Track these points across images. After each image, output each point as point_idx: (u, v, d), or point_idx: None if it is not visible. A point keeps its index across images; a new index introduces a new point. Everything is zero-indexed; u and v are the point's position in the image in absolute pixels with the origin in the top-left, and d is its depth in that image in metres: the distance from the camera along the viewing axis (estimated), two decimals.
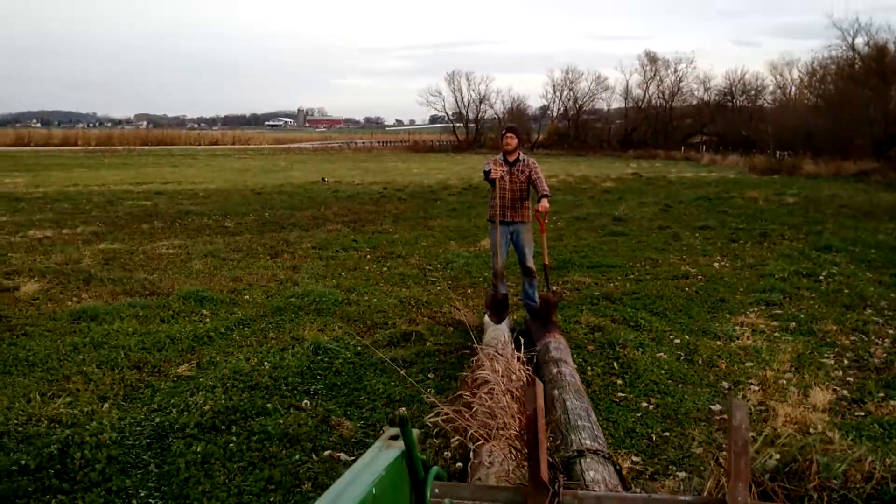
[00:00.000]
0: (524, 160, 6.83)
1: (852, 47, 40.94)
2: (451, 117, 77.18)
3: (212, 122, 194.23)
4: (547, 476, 2.15)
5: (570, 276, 9.48)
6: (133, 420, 4.59)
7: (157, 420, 4.59)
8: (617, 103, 71.56)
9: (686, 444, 4.38)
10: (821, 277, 9.31)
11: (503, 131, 7.02)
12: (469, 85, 73.76)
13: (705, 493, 3.18)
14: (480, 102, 73.82)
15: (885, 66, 35.97)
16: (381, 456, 1.73)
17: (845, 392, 5.28)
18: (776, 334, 6.78)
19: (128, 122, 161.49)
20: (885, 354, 6.19)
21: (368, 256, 11.05)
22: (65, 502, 3.49)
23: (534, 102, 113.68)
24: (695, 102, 65.16)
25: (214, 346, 6.32)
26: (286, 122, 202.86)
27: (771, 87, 60.38)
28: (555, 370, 5.13)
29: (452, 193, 22.14)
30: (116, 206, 18.06)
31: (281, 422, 4.50)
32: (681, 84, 65.59)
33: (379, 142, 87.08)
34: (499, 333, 6.06)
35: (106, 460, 3.89)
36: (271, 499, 3.63)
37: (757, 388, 5.31)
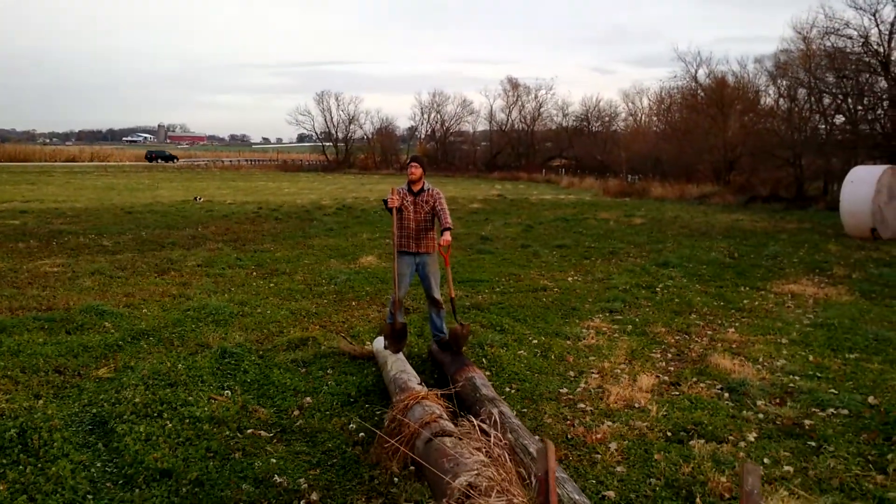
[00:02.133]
0: (429, 190, 6.82)
1: (695, 78, 44.81)
2: (319, 137, 77.64)
3: (65, 137, 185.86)
4: None
5: (443, 290, 10.53)
6: (71, 412, 5.25)
7: (94, 411, 5.28)
8: (482, 126, 74.47)
9: (539, 417, 5.48)
10: (657, 289, 10.78)
11: (408, 161, 6.94)
12: (338, 105, 75.13)
13: None
14: (350, 123, 74.92)
15: (723, 97, 39.42)
16: None
17: (666, 378, 6.56)
18: (615, 335, 8.06)
19: None
20: (701, 350, 7.55)
21: (255, 273, 11.72)
22: (36, 472, 4.17)
23: (402, 123, 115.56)
24: (554, 127, 68.66)
25: (126, 353, 6.93)
26: (146, 137, 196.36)
27: (623, 115, 64.60)
28: (495, 411, 4.72)
29: (328, 213, 22.90)
30: None
31: (206, 409, 5.29)
32: (541, 109, 69.09)
33: (247, 160, 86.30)
34: (403, 365, 6.07)
35: (61, 440, 4.58)
36: (211, 464, 4.46)
37: (597, 376, 6.52)
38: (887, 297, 10.25)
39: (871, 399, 5.85)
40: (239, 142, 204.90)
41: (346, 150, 75.20)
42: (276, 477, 4.32)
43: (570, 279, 11.63)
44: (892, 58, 26.99)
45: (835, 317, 8.88)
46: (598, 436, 5.06)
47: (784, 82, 34.81)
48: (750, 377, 6.43)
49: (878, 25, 27.00)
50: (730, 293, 10.53)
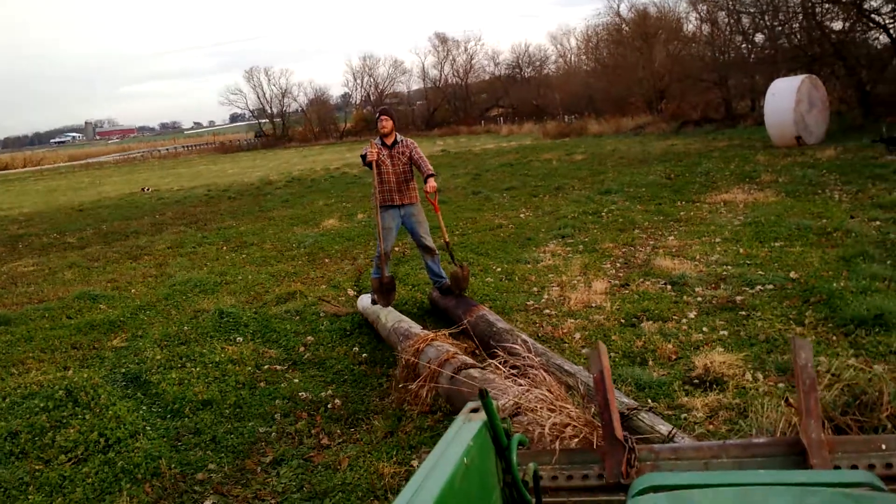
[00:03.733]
0: (402, 141, 6.85)
1: (618, 13, 45.72)
2: (253, 114, 76.98)
3: None
4: (621, 434, 2.16)
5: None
6: (103, 374, 5.90)
7: (123, 370, 5.96)
8: (416, 85, 74.45)
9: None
10: (602, 214, 11.67)
11: (377, 115, 6.92)
12: (269, 80, 74.11)
13: (777, 434, 3.25)
14: (283, 96, 74.23)
15: (647, 28, 40.45)
16: (466, 428, 1.75)
17: (616, 282, 7.45)
18: (569, 255, 8.93)
19: None
20: (644, 257, 8.46)
21: (225, 248, 12.30)
22: (94, 417, 4.86)
23: (336, 91, 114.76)
24: (488, 78, 69.11)
25: (131, 326, 7.57)
26: (74, 137, 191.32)
27: (553, 57, 65.33)
28: (518, 339, 4.93)
29: (278, 187, 23.37)
30: None
31: (223, 355, 6.01)
32: (472, 61, 69.33)
33: (184, 146, 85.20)
34: (398, 315, 6.28)
35: (105, 394, 5.25)
36: (243, 392, 5.22)
37: (557, 288, 7.38)
38: (810, 194, 11.28)
39: (792, 274, 6.81)
40: (171, 129, 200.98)
41: (283, 125, 74.73)
42: (302, 393, 5.11)
43: (522, 216, 12.47)
44: None
45: (762, 215, 9.87)
46: (564, 330, 5.93)
47: (704, 7, 35.87)
48: (688, 271, 7.36)
49: None
50: (668, 208, 11.48)
